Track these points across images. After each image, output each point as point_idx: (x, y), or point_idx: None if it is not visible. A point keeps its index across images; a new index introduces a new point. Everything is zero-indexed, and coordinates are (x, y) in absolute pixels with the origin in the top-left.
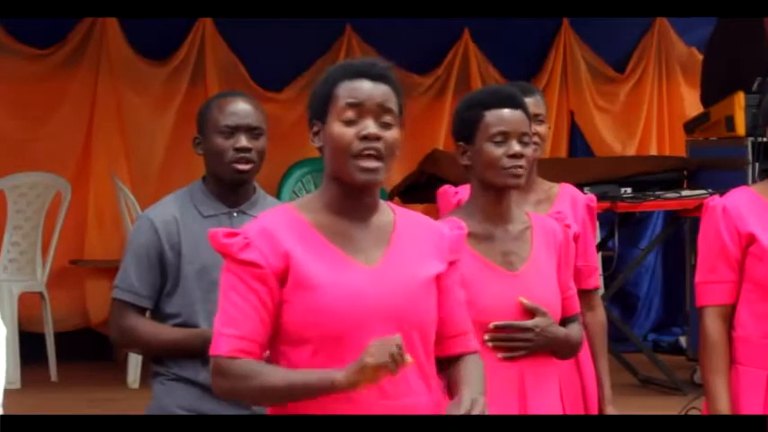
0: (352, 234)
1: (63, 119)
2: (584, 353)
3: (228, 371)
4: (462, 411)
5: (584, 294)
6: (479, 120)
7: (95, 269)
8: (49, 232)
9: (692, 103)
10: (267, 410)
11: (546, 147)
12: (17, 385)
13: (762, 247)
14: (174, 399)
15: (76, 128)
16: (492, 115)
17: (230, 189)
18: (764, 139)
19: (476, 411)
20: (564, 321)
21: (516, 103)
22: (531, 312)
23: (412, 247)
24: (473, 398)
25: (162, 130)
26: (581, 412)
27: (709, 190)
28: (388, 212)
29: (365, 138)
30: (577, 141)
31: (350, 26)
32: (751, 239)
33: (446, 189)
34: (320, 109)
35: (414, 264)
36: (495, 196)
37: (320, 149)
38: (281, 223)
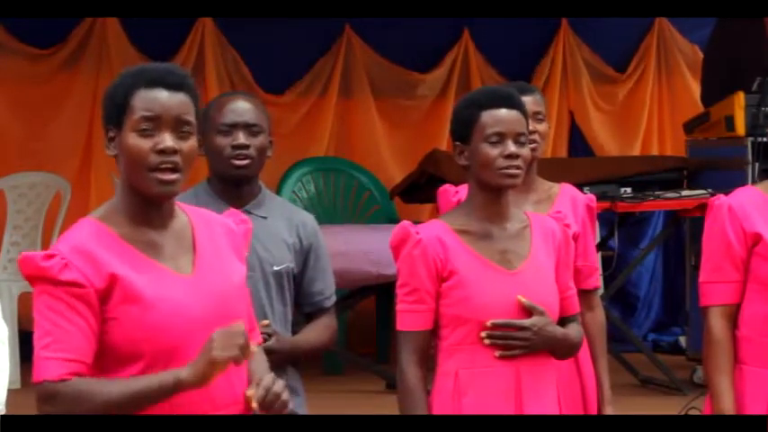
0: (159, 243)
1: (64, 119)
2: (584, 353)
3: (59, 395)
4: (261, 388)
5: (584, 294)
6: (475, 120)
7: None
8: (49, 232)
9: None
10: None
11: (546, 146)
12: (17, 385)
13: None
14: None
15: (77, 128)
16: (488, 115)
17: (234, 188)
18: (764, 139)
19: (277, 387)
20: (563, 321)
21: (513, 103)
22: (528, 311)
23: (213, 251)
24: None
25: None
26: (580, 413)
27: (709, 190)
28: (181, 213)
29: (162, 152)
30: (577, 141)
31: (349, 26)
32: (757, 239)
33: (446, 188)
34: (115, 116)
35: (222, 268)
36: (492, 195)
37: (115, 157)
38: (93, 239)
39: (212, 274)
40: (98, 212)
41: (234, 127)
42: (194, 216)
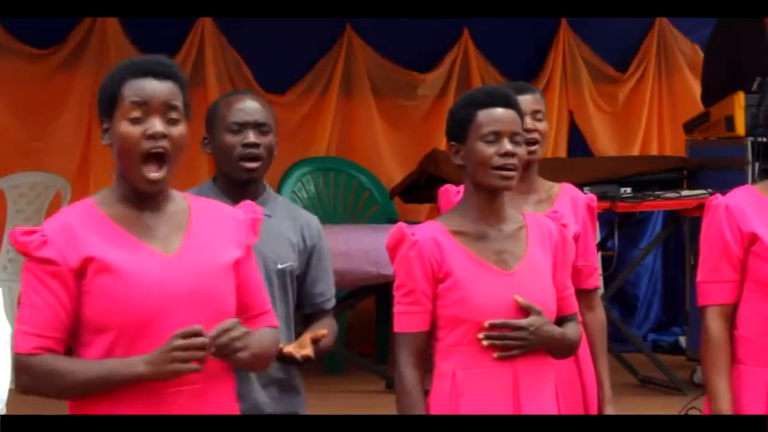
0: (148, 224)
1: (63, 119)
2: (584, 353)
3: (31, 368)
4: (215, 332)
5: (584, 294)
6: (471, 119)
7: None
8: None
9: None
10: (69, 410)
11: (546, 146)
12: None
13: (764, 246)
14: None
15: (77, 128)
16: (484, 114)
17: (240, 187)
18: (764, 140)
19: (235, 332)
20: (561, 321)
21: (509, 103)
22: (525, 311)
23: (209, 234)
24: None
25: None
26: (581, 412)
27: (709, 190)
28: (181, 200)
29: (151, 137)
30: (577, 141)
31: (350, 26)
32: (753, 239)
33: (447, 188)
34: (107, 107)
35: (212, 250)
36: (487, 196)
37: (110, 147)
38: (80, 218)
39: (196, 254)
40: (95, 194)
41: (244, 126)
42: (196, 203)
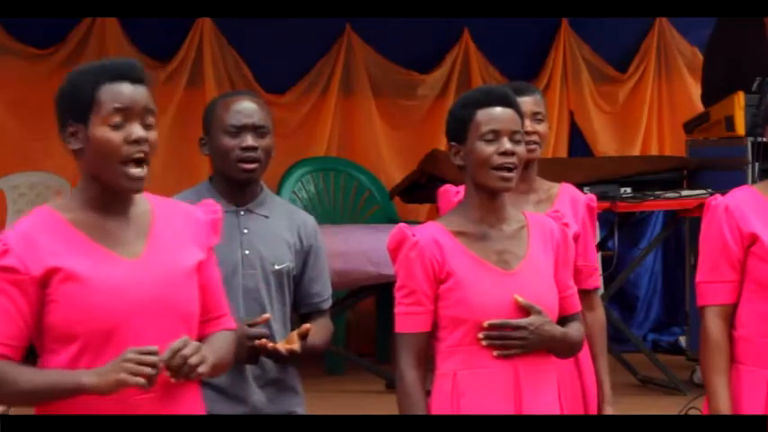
0: (111, 229)
1: None
2: (584, 353)
3: None
4: (166, 355)
5: (584, 294)
6: (471, 119)
7: None
8: None
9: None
10: (34, 410)
11: (546, 146)
12: None
13: (764, 246)
14: None
15: None
16: (483, 114)
17: (237, 188)
18: (764, 139)
19: (187, 350)
20: (563, 320)
21: (508, 102)
22: (526, 311)
23: (171, 236)
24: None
25: (160, 131)
26: (581, 412)
27: (709, 190)
28: (145, 202)
29: (135, 142)
30: (577, 141)
31: (349, 26)
32: (753, 239)
33: (447, 188)
34: (79, 111)
35: (175, 253)
36: (488, 196)
37: (78, 151)
38: (42, 227)
39: (161, 258)
40: (56, 202)
41: (242, 129)
42: (158, 204)
